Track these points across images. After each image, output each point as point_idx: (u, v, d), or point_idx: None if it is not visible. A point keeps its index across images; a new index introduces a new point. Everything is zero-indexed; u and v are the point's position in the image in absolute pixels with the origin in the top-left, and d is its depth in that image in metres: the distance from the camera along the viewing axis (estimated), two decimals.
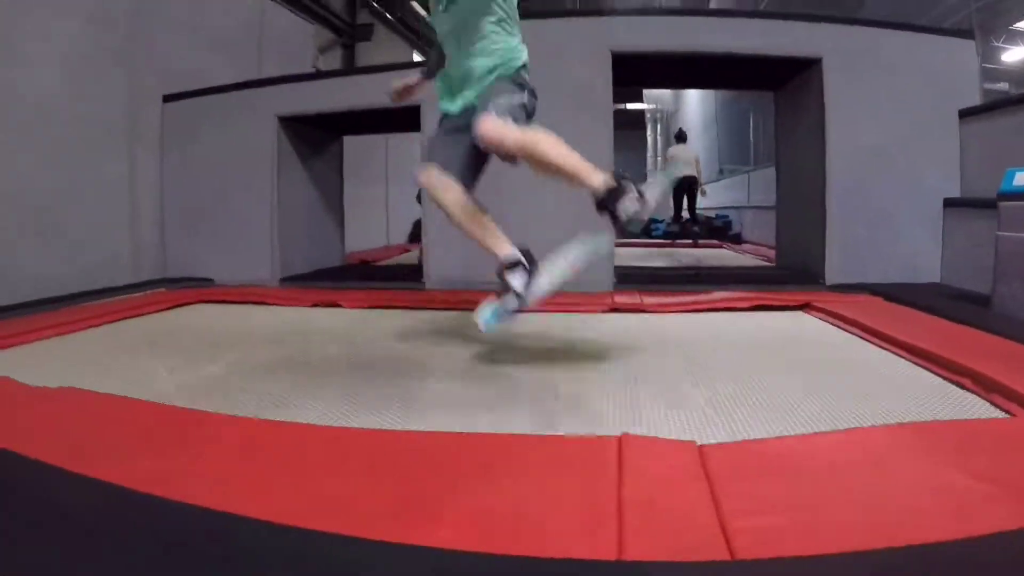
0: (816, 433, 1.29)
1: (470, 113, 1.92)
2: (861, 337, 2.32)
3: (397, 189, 7.75)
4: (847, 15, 5.72)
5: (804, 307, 2.94)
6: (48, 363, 2.16)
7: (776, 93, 4.40)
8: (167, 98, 4.46)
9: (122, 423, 1.38)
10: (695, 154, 7.46)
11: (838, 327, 2.54)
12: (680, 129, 8.03)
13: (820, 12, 4.25)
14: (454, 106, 2.07)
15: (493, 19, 1.97)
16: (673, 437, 1.25)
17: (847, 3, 9.49)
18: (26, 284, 3.36)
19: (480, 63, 1.97)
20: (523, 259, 1.81)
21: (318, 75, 5.63)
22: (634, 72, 3.86)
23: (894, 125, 3.52)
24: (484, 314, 1.81)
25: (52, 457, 1.10)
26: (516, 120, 1.80)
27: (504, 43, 1.99)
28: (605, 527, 0.86)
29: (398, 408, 1.57)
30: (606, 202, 1.70)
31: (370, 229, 7.16)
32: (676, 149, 7.56)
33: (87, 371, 2.01)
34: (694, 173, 7.18)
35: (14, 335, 2.46)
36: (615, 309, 2.99)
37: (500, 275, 1.81)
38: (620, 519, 0.88)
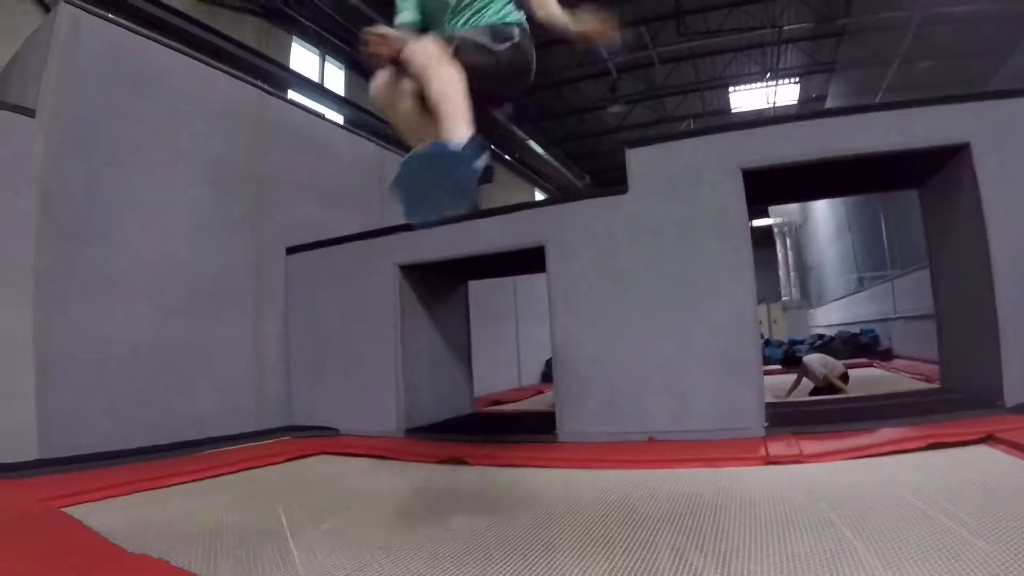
0: None
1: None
2: None
3: (527, 328, 7.55)
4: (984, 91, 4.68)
5: (986, 439, 2.26)
6: (174, 510, 2.22)
7: (920, 190, 3.81)
8: (290, 250, 4.68)
9: None
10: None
11: None
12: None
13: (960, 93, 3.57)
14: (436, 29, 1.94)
15: None
16: None
17: (977, 80, 8.43)
18: (154, 429, 3.53)
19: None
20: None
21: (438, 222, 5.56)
22: (766, 188, 3.51)
23: None
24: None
25: None
26: (461, 50, 1.72)
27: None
28: None
29: None
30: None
31: (501, 369, 6.91)
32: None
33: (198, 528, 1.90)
34: None
35: (147, 479, 2.63)
36: (770, 462, 2.43)
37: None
38: None
